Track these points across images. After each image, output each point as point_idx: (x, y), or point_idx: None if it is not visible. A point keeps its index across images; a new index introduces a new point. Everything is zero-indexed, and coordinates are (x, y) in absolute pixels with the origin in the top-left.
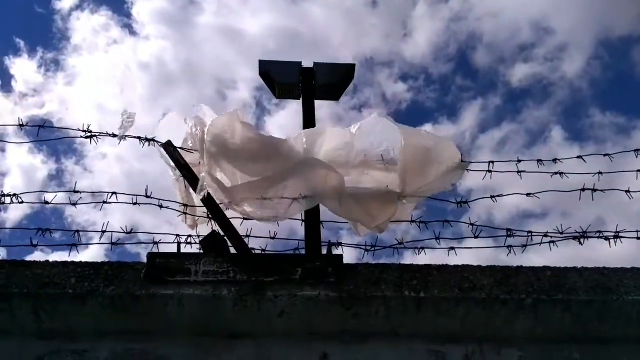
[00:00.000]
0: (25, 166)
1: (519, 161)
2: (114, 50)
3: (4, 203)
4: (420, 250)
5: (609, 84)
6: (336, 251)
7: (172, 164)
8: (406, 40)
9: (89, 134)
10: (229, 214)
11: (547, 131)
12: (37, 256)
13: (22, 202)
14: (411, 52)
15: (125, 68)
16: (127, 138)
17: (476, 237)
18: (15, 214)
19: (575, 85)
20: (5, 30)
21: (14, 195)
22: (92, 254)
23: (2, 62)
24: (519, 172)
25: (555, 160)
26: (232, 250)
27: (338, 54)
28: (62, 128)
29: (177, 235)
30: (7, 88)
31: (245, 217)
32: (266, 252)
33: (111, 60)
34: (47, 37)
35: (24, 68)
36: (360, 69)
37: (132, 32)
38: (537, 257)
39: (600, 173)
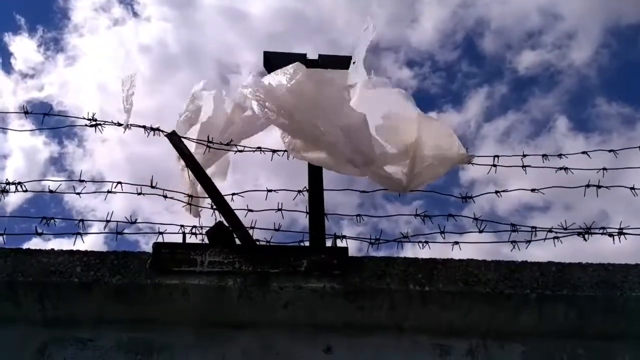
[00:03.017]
0: (26, 148)
1: (524, 155)
2: (115, 31)
3: (8, 192)
4: (424, 244)
5: (616, 73)
6: (340, 243)
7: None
8: (413, 25)
9: (93, 123)
10: (233, 205)
11: (551, 121)
12: (35, 243)
13: (27, 191)
14: (418, 37)
15: (126, 49)
16: (131, 127)
17: (481, 232)
18: (15, 198)
19: (582, 74)
20: (6, 6)
21: (19, 183)
22: (92, 241)
23: (1, 39)
24: (523, 166)
25: (560, 155)
26: (237, 242)
27: (343, 38)
28: (67, 116)
29: (182, 226)
30: (7, 67)
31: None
32: (271, 244)
33: (112, 41)
34: (47, 16)
35: (23, 46)
36: (365, 54)
37: (134, 13)
38: (541, 251)
39: (604, 169)
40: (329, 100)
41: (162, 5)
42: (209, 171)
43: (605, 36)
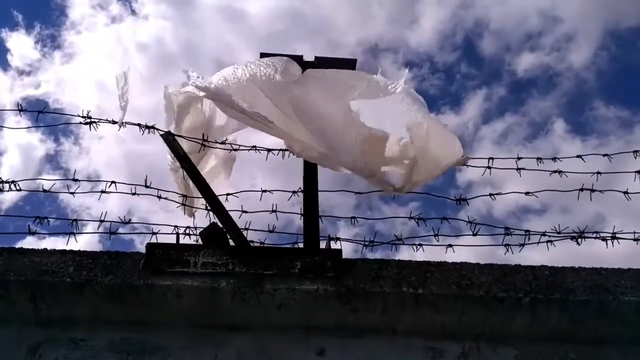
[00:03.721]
0: (22, 145)
1: (519, 158)
2: (113, 29)
3: (2, 190)
4: (419, 246)
5: (615, 76)
6: (334, 245)
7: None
8: (412, 26)
9: (88, 120)
10: (227, 205)
11: (549, 123)
12: (29, 241)
13: (20, 190)
14: (417, 38)
15: (124, 47)
16: (126, 125)
17: (474, 235)
18: (9, 195)
19: (580, 76)
20: (3, 2)
21: (12, 182)
22: (86, 240)
23: None
24: (518, 169)
25: (554, 159)
26: (231, 243)
27: (343, 38)
28: (62, 114)
29: (176, 226)
30: (3, 63)
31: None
32: (265, 245)
33: (110, 39)
34: (45, 13)
35: (20, 43)
36: (364, 55)
37: (132, 11)
38: (536, 253)
39: (598, 173)
40: (336, 107)
41: (160, 4)
42: (212, 169)
43: (604, 39)
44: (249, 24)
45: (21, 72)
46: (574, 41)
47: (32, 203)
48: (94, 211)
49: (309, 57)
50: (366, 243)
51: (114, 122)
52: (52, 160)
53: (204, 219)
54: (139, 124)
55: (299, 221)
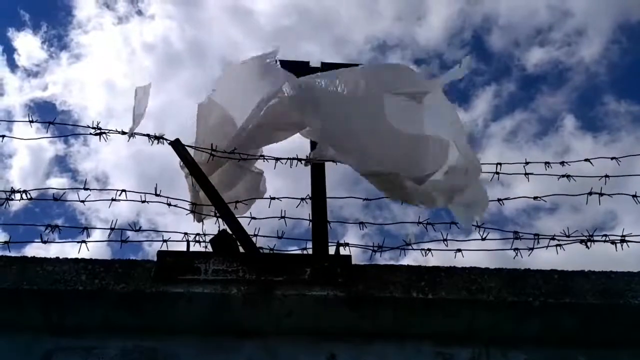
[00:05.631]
0: (32, 146)
1: (526, 163)
2: (120, 29)
3: (12, 199)
4: (427, 251)
5: (626, 70)
6: (343, 251)
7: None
8: (420, 22)
9: (98, 131)
10: (236, 212)
11: (559, 120)
12: (39, 246)
13: (32, 199)
14: (425, 34)
15: (131, 48)
16: (136, 136)
17: (483, 239)
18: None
19: (591, 71)
20: (11, 1)
21: (24, 191)
22: (96, 242)
23: (5, 34)
24: (526, 174)
25: (562, 163)
26: (241, 249)
27: (350, 35)
28: (72, 125)
29: (186, 234)
30: (11, 63)
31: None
32: (274, 252)
33: (117, 39)
34: (52, 13)
35: (27, 43)
36: (372, 52)
37: (138, 11)
38: (547, 254)
39: (607, 176)
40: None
41: (166, 3)
42: (231, 195)
43: (615, 32)
44: (255, 21)
45: (29, 73)
46: (584, 35)
47: (42, 206)
48: (104, 214)
49: (315, 62)
50: (375, 248)
51: (124, 133)
52: (62, 162)
53: (213, 225)
54: (147, 135)
55: (307, 224)
